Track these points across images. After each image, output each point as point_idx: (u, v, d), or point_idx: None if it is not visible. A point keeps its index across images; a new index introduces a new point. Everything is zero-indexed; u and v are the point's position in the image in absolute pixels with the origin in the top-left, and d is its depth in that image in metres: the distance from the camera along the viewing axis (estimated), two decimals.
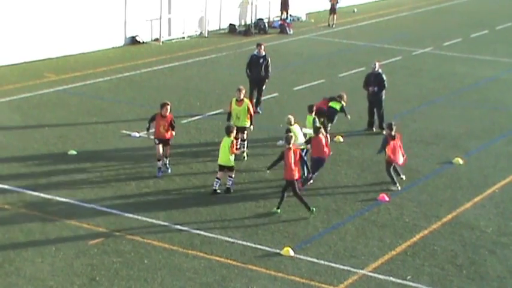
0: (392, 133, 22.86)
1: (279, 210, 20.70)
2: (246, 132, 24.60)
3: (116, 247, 18.53)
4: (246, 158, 24.46)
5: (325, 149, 22.52)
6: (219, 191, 21.79)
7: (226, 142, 21.78)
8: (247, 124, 24.48)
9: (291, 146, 20.54)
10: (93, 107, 29.45)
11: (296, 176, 20.54)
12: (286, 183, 20.60)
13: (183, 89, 32.63)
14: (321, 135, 22.47)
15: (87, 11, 38.08)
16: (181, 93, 31.90)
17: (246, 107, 24.35)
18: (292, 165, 20.37)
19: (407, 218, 20.96)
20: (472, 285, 17.71)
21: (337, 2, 47.66)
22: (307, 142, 22.97)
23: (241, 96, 24.42)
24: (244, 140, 24.64)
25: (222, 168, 21.83)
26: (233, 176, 21.97)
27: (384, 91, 27.77)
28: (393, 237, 19.80)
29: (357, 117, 28.72)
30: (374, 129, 27.98)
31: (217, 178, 21.82)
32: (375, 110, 27.94)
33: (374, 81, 27.65)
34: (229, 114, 24.63)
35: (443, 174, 24.34)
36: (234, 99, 24.54)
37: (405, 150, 25.76)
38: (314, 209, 20.73)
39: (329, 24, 47.73)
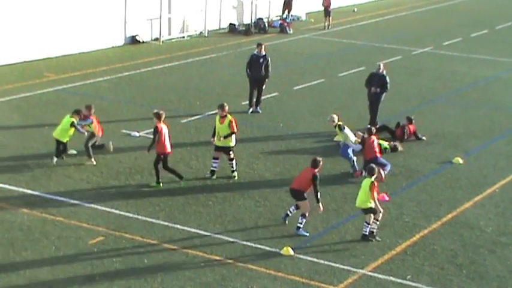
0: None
1: (161, 185, 21.96)
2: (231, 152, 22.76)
3: (115, 246, 18.52)
4: (236, 178, 22.91)
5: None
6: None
7: (366, 183, 19.36)
8: (232, 144, 22.69)
9: (161, 122, 21.93)
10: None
11: (168, 149, 21.89)
12: (157, 157, 21.90)
13: (182, 88, 32.62)
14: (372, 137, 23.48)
15: (87, 11, 38.05)
16: (181, 92, 31.89)
17: (228, 124, 22.43)
18: (165, 140, 21.76)
19: (407, 218, 20.96)
20: (471, 285, 17.72)
21: (330, 4, 47.67)
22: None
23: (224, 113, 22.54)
24: (232, 160, 22.84)
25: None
26: (370, 221, 19.49)
27: (384, 93, 27.77)
28: (393, 236, 19.80)
29: (357, 117, 28.69)
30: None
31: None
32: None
33: (377, 82, 27.59)
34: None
35: (443, 173, 24.33)
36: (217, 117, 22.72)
37: (405, 150, 25.82)
38: (184, 176, 22.20)
39: (325, 27, 47.70)
